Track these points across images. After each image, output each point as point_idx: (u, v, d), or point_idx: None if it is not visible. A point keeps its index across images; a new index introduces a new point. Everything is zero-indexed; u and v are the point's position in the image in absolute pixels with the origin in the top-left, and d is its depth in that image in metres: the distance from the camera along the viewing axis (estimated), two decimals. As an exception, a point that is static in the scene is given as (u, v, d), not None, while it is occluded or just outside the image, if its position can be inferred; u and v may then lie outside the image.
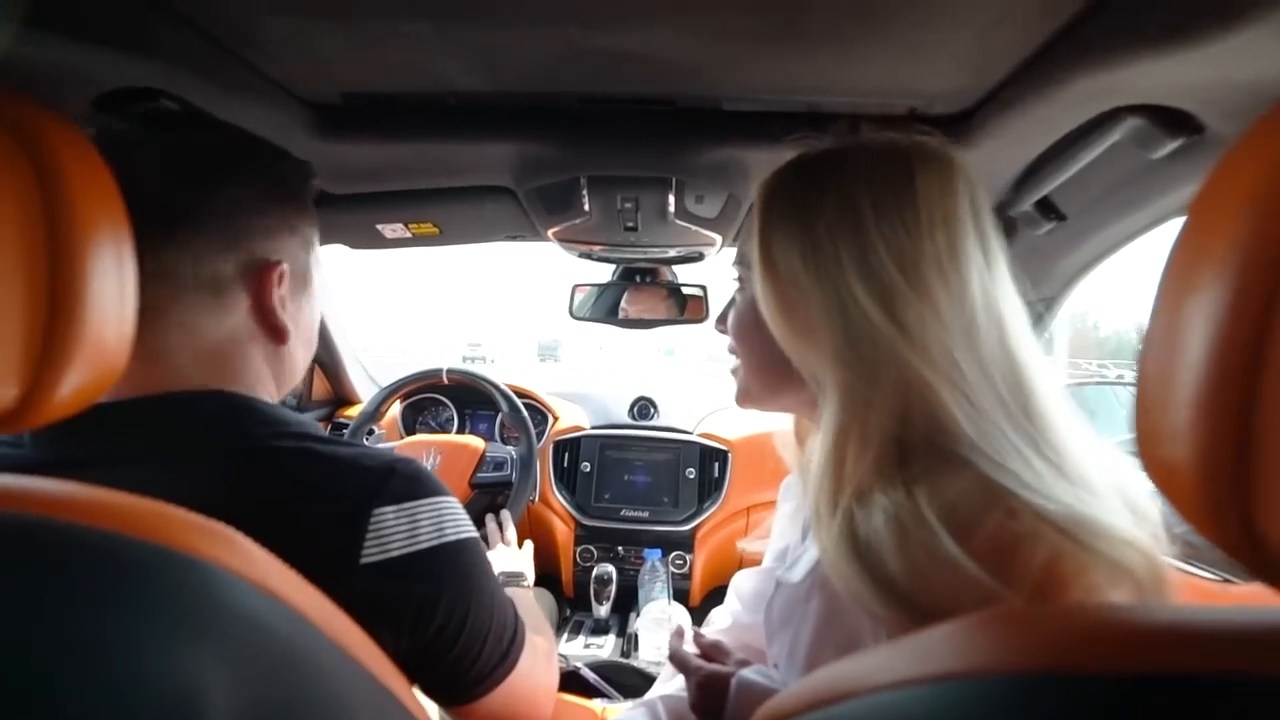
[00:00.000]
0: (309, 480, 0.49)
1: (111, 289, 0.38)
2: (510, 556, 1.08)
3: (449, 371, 1.43)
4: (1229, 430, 0.20)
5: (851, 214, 0.47)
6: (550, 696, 0.72)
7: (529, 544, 1.15)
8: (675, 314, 1.38)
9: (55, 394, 0.35)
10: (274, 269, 0.53)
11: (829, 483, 0.46)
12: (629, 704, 0.83)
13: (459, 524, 0.54)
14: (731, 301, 0.61)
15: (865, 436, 0.45)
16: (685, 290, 1.38)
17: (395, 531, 0.49)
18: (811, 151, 0.53)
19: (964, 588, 0.37)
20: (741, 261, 0.57)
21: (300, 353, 0.60)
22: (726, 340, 0.61)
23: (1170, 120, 0.61)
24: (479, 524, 0.62)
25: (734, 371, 0.61)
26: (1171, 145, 0.62)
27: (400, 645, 0.50)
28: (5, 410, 0.33)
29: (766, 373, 0.56)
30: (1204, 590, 0.91)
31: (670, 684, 0.75)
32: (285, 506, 0.47)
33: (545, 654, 0.70)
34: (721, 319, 0.62)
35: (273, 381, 0.57)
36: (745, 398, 0.61)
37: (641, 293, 1.39)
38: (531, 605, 0.87)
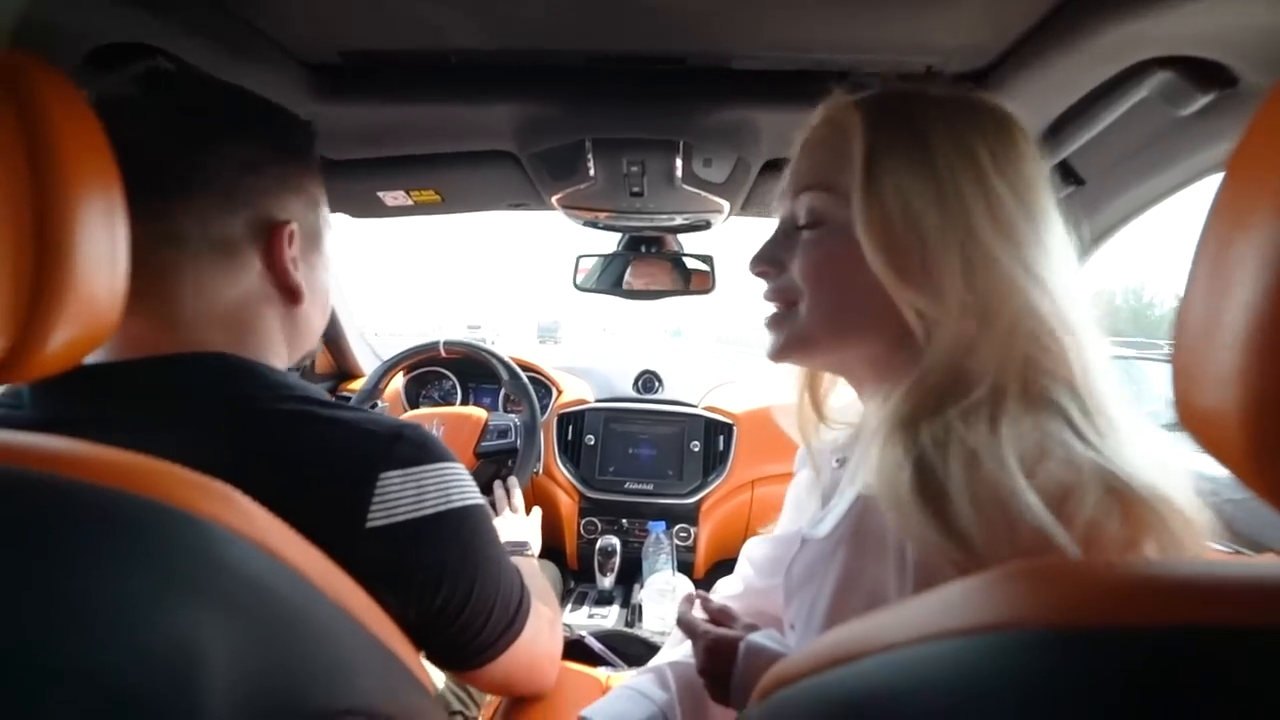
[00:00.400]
0: (313, 444, 0.49)
1: (101, 241, 0.36)
2: (517, 525, 1.08)
3: (447, 344, 1.42)
4: (1276, 374, 0.19)
5: (971, 160, 0.47)
6: (554, 664, 0.72)
7: (537, 511, 1.15)
8: (681, 285, 1.36)
9: (45, 347, 0.34)
10: (284, 228, 0.52)
11: (904, 427, 0.45)
12: (633, 672, 0.83)
13: (466, 491, 0.54)
14: (777, 240, 0.55)
15: (965, 380, 0.44)
16: (690, 262, 1.36)
17: (401, 496, 0.49)
18: (895, 89, 0.52)
19: (1027, 532, 0.36)
20: (825, 189, 0.50)
21: (316, 315, 0.59)
22: (756, 292, 0.56)
23: (1202, 73, 0.58)
24: (486, 493, 0.62)
25: (778, 321, 0.55)
26: (1202, 100, 0.60)
27: (406, 611, 0.50)
28: None
29: (843, 318, 0.51)
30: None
31: (677, 650, 0.74)
32: (288, 470, 0.47)
33: (550, 623, 0.70)
34: (768, 260, 0.55)
35: (285, 345, 0.56)
36: (799, 348, 0.55)
37: (647, 263, 1.37)
38: (537, 574, 0.87)
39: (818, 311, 0.52)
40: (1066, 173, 0.87)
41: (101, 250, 0.36)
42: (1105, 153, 0.80)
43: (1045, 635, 0.21)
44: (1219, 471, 0.23)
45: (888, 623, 0.28)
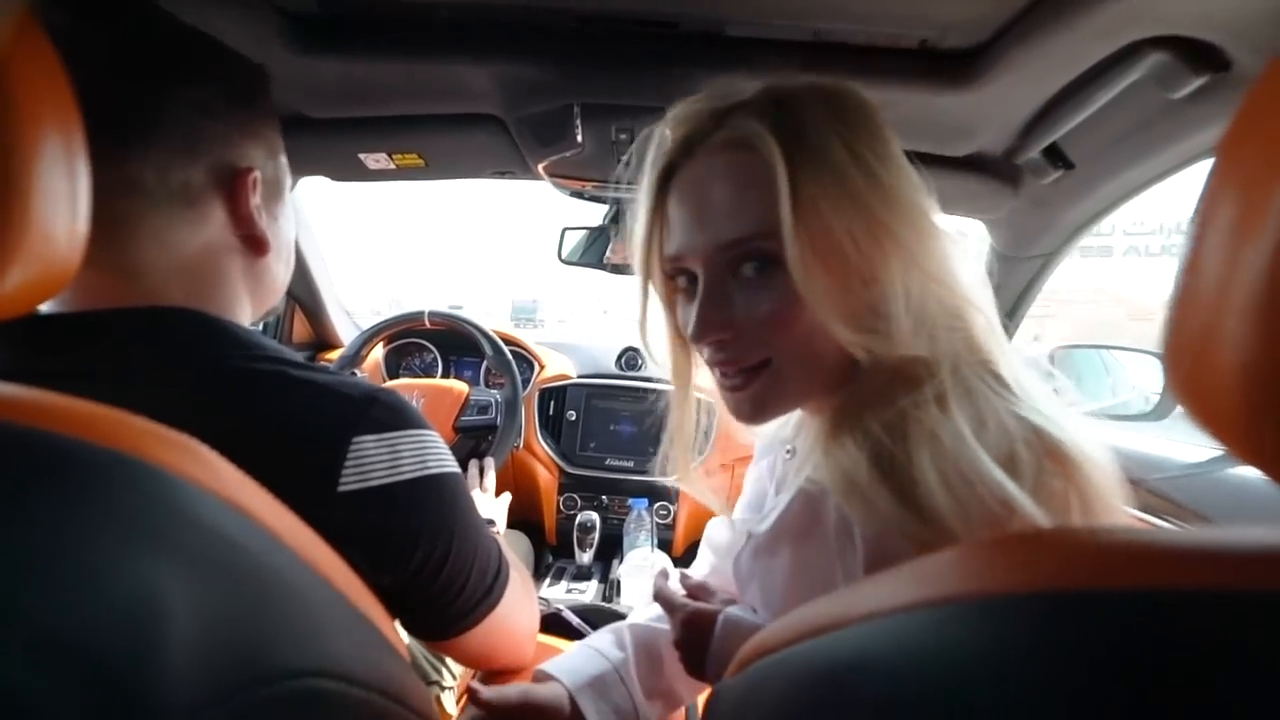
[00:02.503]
0: (284, 405, 0.47)
1: (60, 177, 0.34)
2: (485, 503, 1.07)
3: (431, 314, 1.40)
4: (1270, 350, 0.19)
5: (866, 169, 0.45)
6: (531, 636, 0.72)
7: (506, 496, 1.14)
8: None
9: None
10: (247, 175, 0.51)
11: (849, 421, 0.45)
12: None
13: (442, 458, 0.53)
14: (718, 300, 0.48)
15: (906, 374, 0.44)
16: None
17: (376, 461, 0.48)
18: (776, 92, 0.48)
19: (992, 502, 0.37)
20: (771, 234, 0.45)
21: (279, 268, 0.57)
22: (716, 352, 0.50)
23: (1196, 55, 0.58)
24: (462, 468, 0.61)
25: (748, 382, 0.50)
26: (1195, 83, 0.60)
27: (381, 578, 0.48)
28: None
29: (815, 362, 0.49)
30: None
31: (641, 614, 0.75)
32: (258, 430, 0.45)
33: (528, 594, 0.70)
34: (724, 325, 0.48)
35: (249, 299, 0.55)
36: (782, 406, 0.51)
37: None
38: (508, 550, 0.86)
39: (798, 364, 0.49)
40: (1056, 156, 0.87)
41: (60, 187, 0.34)
42: (1095, 136, 0.80)
43: (1028, 599, 0.21)
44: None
45: (868, 594, 0.28)
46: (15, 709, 0.23)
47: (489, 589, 0.57)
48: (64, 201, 0.35)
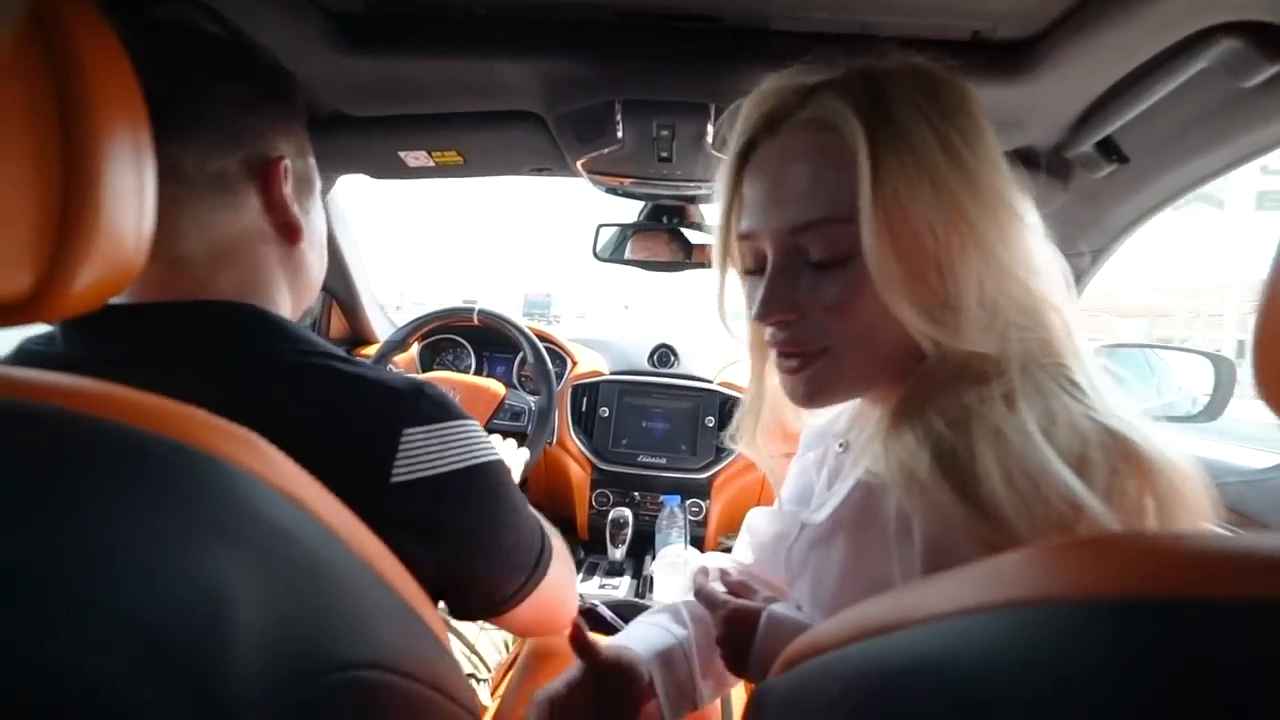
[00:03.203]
0: (336, 398, 0.49)
1: (130, 180, 0.36)
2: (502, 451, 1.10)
3: (480, 312, 1.42)
4: None
5: (954, 156, 0.44)
6: (574, 604, 0.75)
7: (524, 452, 1.17)
8: (681, 257, 1.33)
9: (70, 287, 0.33)
10: (278, 164, 0.53)
11: (911, 414, 0.44)
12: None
13: (486, 448, 0.55)
14: (786, 279, 0.48)
15: (972, 368, 0.44)
16: (694, 236, 1.32)
17: (425, 452, 0.50)
18: (863, 70, 0.47)
19: (1059, 503, 0.36)
20: (845, 219, 0.44)
21: (314, 260, 0.59)
22: (776, 333, 0.50)
23: (1272, 40, 0.55)
24: None
25: (805, 365, 0.49)
26: (1270, 70, 0.57)
27: (431, 564, 0.50)
28: (19, 298, 0.31)
29: (879, 352, 0.48)
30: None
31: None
32: (311, 422, 0.47)
33: (568, 565, 0.72)
34: (788, 306, 0.48)
35: (289, 291, 0.57)
36: (837, 393, 0.51)
37: (666, 234, 1.34)
38: (547, 525, 0.88)
39: (857, 353, 0.48)
40: (1110, 150, 0.84)
41: (130, 189, 0.35)
42: (1154, 129, 0.77)
43: (1097, 607, 0.20)
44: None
45: (927, 595, 0.27)
46: (90, 693, 0.24)
47: (534, 566, 0.60)
48: (132, 202, 0.36)
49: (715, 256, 0.57)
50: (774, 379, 0.59)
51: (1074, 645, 0.20)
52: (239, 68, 0.54)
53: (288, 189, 0.54)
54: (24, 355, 0.50)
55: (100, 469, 0.30)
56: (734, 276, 0.57)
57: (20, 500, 0.27)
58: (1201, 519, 0.39)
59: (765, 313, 0.49)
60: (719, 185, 0.54)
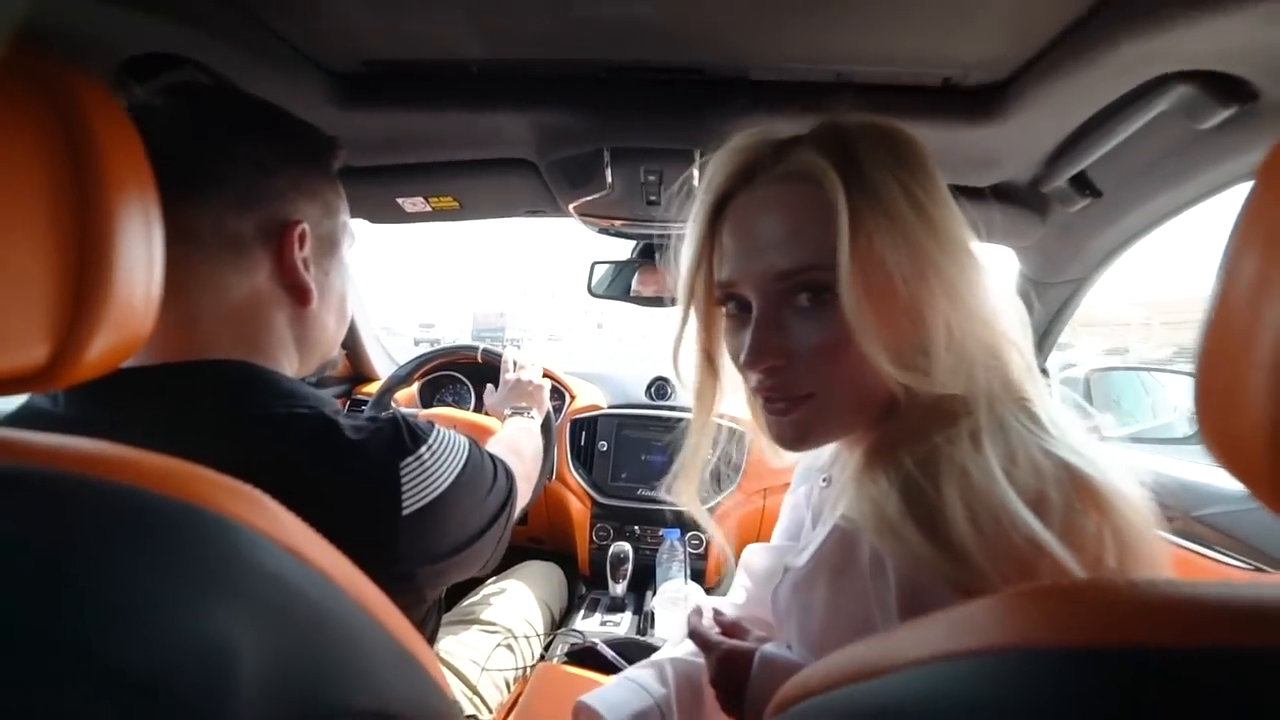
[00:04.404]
0: (330, 445, 0.50)
1: (139, 251, 0.37)
2: (520, 387, 1.15)
3: (484, 351, 1.46)
4: None
5: (917, 207, 0.46)
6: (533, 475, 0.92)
7: (546, 383, 1.20)
8: None
9: (85, 354, 0.35)
10: (293, 228, 0.54)
11: (883, 456, 0.46)
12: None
13: (458, 450, 0.60)
14: (772, 326, 0.49)
15: (942, 410, 0.45)
16: None
17: (421, 479, 0.53)
18: (835, 126, 0.49)
19: (1020, 541, 0.37)
20: (829, 265, 0.45)
21: (329, 320, 0.61)
22: (757, 377, 0.50)
23: (1222, 87, 0.58)
24: None
25: (790, 409, 0.50)
26: (1223, 114, 0.60)
27: (438, 576, 0.57)
28: (37, 368, 0.33)
29: (862, 396, 0.49)
30: (1236, 579, 0.90)
31: (679, 648, 0.75)
32: (308, 472, 0.48)
33: (525, 478, 0.81)
34: (779, 352, 0.49)
35: (295, 348, 0.58)
36: (824, 437, 0.52)
37: (659, 271, 1.37)
38: (516, 437, 0.95)
39: (843, 397, 0.49)
40: (1083, 185, 0.87)
41: (140, 260, 0.37)
42: (1123, 165, 0.80)
43: (1066, 655, 0.21)
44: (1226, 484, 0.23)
45: (906, 640, 0.28)
46: None
47: (502, 509, 0.67)
48: (142, 272, 0.38)
49: (681, 303, 0.58)
50: (729, 421, 0.63)
51: (1043, 692, 0.21)
52: (260, 129, 0.55)
53: (305, 252, 0.55)
54: (30, 413, 0.51)
55: (110, 531, 0.31)
56: (691, 325, 0.59)
57: (34, 562, 0.28)
58: (1155, 548, 0.40)
59: (756, 359, 0.49)
60: (690, 234, 0.55)
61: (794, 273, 0.48)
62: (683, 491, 0.64)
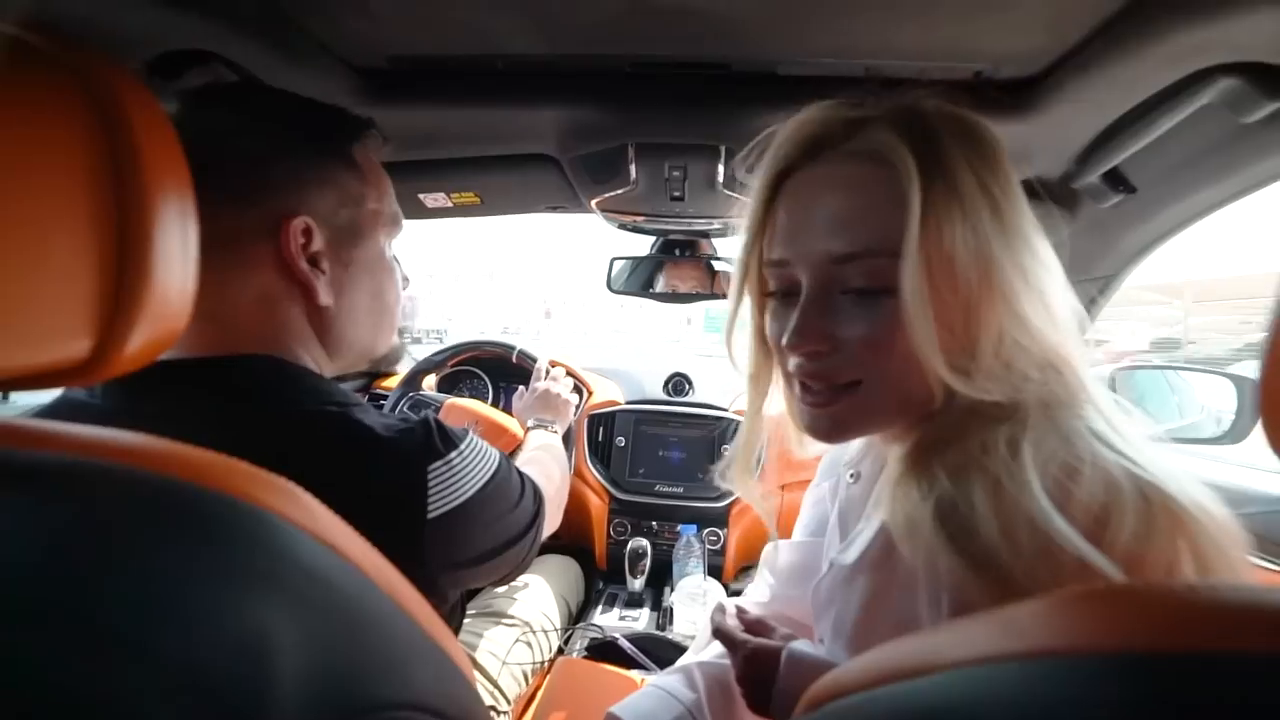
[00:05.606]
0: (360, 443, 0.51)
1: (176, 243, 0.37)
2: (547, 399, 1.16)
3: (519, 353, 1.49)
4: None
5: (991, 203, 0.44)
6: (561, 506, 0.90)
7: (574, 389, 1.22)
8: (712, 288, 1.35)
9: (125, 348, 0.35)
10: (289, 222, 0.53)
11: (919, 461, 0.45)
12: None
13: (488, 460, 0.60)
14: (820, 310, 0.47)
15: (983, 413, 0.44)
16: (720, 265, 1.35)
17: (449, 484, 0.53)
18: (915, 109, 0.47)
19: (1068, 560, 0.35)
20: (891, 253, 0.43)
21: (359, 315, 0.60)
22: (802, 362, 0.48)
23: (1270, 80, 0.56)
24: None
25: (832, 399, 0.48)
26: (1270, 107, 0.58)
27: (463, 582, 0.57)
28: (79, 361, 0.33)
29: (908, 390, 0.47)
30: (1273, 581, 0.88)
31: (705, 651, 0.74)
32: (339, 468, 0.49)
33: (550, 482, 0.82)
34: (823, 336, 0.46)
35: (319, 344, 0.58)
36: (864, 428, 0.51)
37: (679, 266, 1.37)
38: (547, 460, 0.95)
39: (887, 390, 0.47)
40: (1117, 180, 0.85)
41: (176, 250, 0.37)
42: (1159, 160, 0.78)
43: (1121, 659, 0.21)
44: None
45: (951, 640, 0.27)
46: None
47: (529, 528, 0.67)
48: (178, 263, 0.38)
49: (734, 281, 0.55)
50: (774, 411, 0.58)
51: (1094, 697, 0.20)
52: (258, 121, 0.54)
53: (314, 246, 0.54)
54: (67, 404, 0.52)
55: (151, 522, 0.31)
56: (745, 306, 0.56)
57: (76, 551, 0.28)
58: (1240, 563, 0.37)
59: (798, 342, 0.47)
60: (749, 207, 0.52)
61: (851, 257, 0.45)
62: (737, 478, 0.62)
